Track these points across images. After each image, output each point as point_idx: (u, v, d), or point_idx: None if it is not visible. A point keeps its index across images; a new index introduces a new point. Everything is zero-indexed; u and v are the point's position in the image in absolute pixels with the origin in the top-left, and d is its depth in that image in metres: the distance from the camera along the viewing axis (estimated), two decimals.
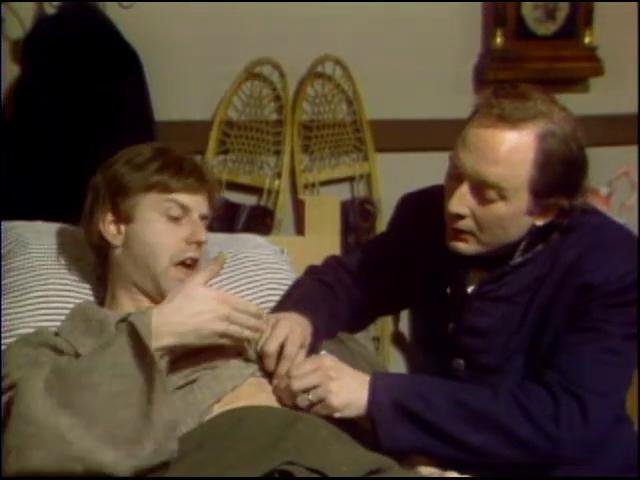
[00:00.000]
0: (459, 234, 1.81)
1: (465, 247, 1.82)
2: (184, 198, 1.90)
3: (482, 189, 1.76)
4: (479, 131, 1.75)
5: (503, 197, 1.75)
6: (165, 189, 1.90)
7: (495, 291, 1.85)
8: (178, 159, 1.94)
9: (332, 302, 2.02)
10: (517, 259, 1.83)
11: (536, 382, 1.77)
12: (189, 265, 1.89)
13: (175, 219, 1.90)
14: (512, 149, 1.73)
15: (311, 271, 2.13)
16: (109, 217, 1.92)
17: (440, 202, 1.85)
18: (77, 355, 1.80)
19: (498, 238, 1.80)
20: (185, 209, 1.90)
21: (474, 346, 1.88)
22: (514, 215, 1.77)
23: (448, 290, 1.90)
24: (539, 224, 1.81)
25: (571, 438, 1.74)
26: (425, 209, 1.98)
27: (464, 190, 1.77)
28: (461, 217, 1.79)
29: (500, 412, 1.74)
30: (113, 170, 1.93)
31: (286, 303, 2.01)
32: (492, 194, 1.75)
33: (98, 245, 1.95)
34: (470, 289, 1.88)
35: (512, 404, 1.75)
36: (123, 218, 1.91)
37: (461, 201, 1.78)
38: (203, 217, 1.94)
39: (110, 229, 1.92)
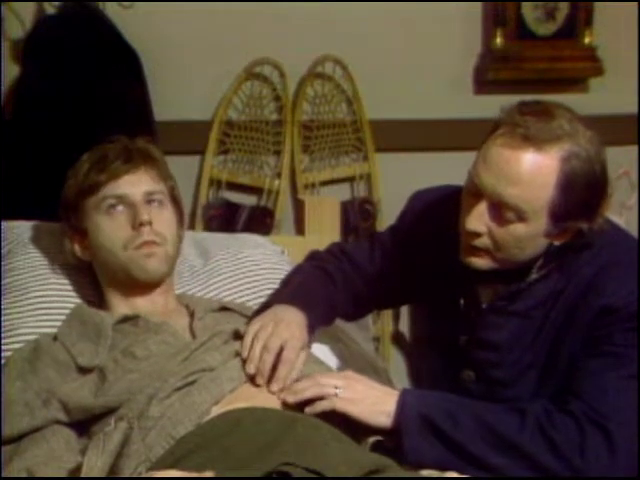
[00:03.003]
0: (474, 250, 1.79)
1: (479, 262, 1.79)
2: (114, 187, 1.88)
3: (501, 209, 1.73)
4: (501, 150, 1.71)
5: (522, 219, 1.72)
6: (96, 188, 1.89)
7: (510, 306, 1.83)
8: (103, 152, 1.93)
9: (331, 291, 2.00)
10: (533, 276, 1.81)
11: (561, 410, 1.74)
12: (148, 244, 1.87)
13: (115, 211, 1.88)
14: (535, 171, 1.69)
15: (313, 257, 2.11)
16: (73, 238, 1.96)
17: (453, 205, 1.83)
18: (77, 365, 1.80)
19: (514, 257, 1.78)
20: (120, 197, 1.88)
21: (486, 359, 1.86)
22: (532, 236, 1.75)
23: (462, 302, 1.88)
24: (556, 244, 1.78)
25: (596, 470, 1.71)
26: (437, 210, 1.95)
27: (482, 209, 1.74)
28: (477, 235, 1.76)
29: (526, 441, 1.72)
30: (63, 193, 1.96)
31: (284, 290, 2.00)
32: (511, 215, 1.72)
33: (81, 263, 1.99)
34: (484, 304, 1.86)
35: (538, 434, 1.72)
36: (81, 234, 1.94)
37: (479, 219, 1.75)
38: (150, 194, 1.90)
39: (77, 249, 1.96)
